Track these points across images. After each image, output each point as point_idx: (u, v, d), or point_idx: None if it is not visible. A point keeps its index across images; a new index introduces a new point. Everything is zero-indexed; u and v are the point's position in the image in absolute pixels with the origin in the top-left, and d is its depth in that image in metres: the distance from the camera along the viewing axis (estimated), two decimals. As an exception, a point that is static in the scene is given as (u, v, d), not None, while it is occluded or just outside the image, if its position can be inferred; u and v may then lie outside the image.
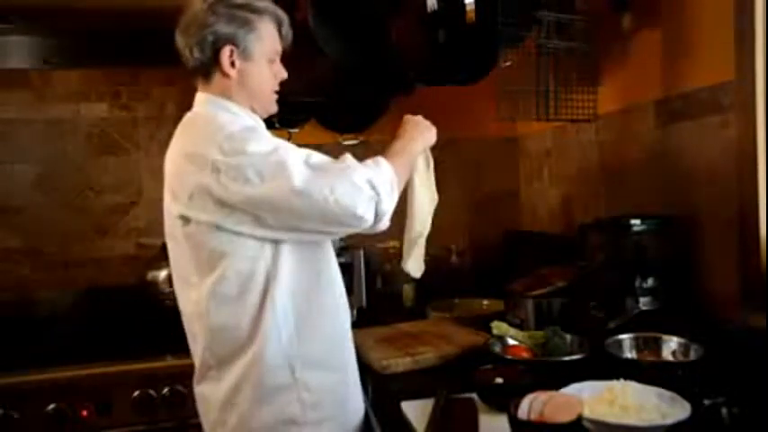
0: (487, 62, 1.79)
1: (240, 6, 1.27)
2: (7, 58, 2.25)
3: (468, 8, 1.77)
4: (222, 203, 1.17)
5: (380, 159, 1.27)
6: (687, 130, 1.54)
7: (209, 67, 1.28)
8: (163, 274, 2.09)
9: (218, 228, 1.20)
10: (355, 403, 1.38)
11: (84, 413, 1.75)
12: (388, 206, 1.22)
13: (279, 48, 1.34)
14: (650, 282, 1.49)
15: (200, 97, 1.33)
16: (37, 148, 2.33)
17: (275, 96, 1.37)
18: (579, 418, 1.01)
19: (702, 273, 1.50)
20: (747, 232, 1.36)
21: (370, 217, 1.19)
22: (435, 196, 1.53)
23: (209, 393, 1.31)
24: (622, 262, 1.51)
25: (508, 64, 1.70)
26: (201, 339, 1.29)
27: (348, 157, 1.24)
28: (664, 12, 1.62)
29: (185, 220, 1.22)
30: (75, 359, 1.80)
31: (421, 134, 1.44)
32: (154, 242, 2.32)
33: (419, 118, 1.47)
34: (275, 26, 1.32)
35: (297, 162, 1.17)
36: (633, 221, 1.51)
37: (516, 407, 1.05)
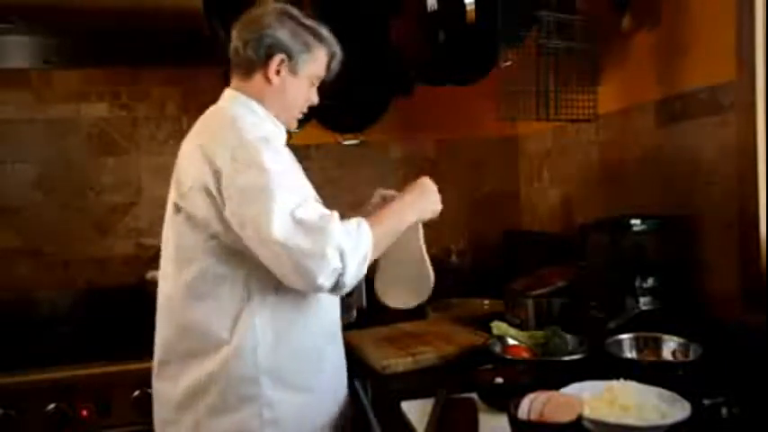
0: (487, 62, 1.79)
1: (306, 27, 1.32)
2: (7, 58, 2.25)
3: (468, 8, 1.77)
4: (215, 205, 1.18)
5: (365, 227, 1.21)
6: (687, 130, 1.54)
7: (254, 67, 1.30)
8: (163, 274, 2.09)
9: (207, 229, 1.20)
10: (321, 425, 1.33)
11: (84, 413, 1.75)
12: (351, 281, 1.18)
13: (322, 76, 1.38)
14: (650, 282, 1.49)
15: (230, 94, 1.35)
16: (37, 148, 2.33)
17: (300, 116, 1.40)
18: (579, 418, 1.01)
19: (702, 273, 1.50)
20: (747, 232, 1.36)
21: (328, 286, 1.15)
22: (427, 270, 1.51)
23: (163, 391, 1.30)
24: (622, 262, 1.51)
25: (508, 64, 1.70)
26: (167, 334, 1.29)
27: (333, 219, 1.17)
28: (664, 12, 1.62)
29: (177, 208, 1.24)
30: (75, 359, 1.80)
31: (422, 206, 1.40)
32: (154, 242, 2.31)
33: (431, 187, 1.42)
34: (328, 57, 1.37)
35: (284, 209, 1.13)
36: (633, 221, 1.51)
37: (516, 407, 1.05)
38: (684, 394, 1.08)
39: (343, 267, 1.15)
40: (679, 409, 1.04)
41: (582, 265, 1.68)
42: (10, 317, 2.15)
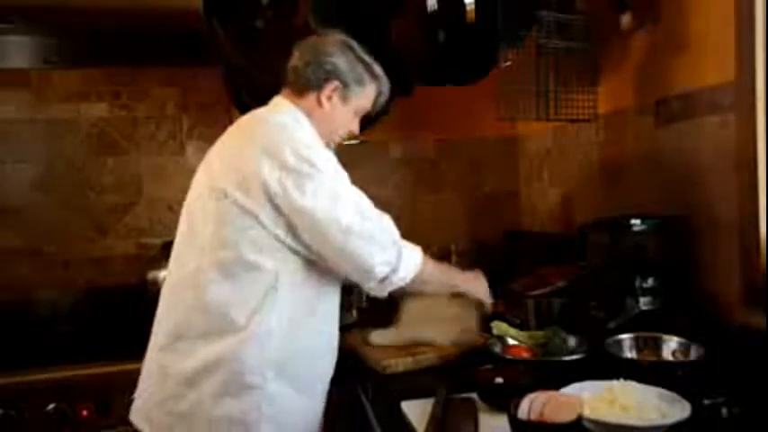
0: (487, 62, 1.79)
1: (364, 63, 1.42)
2: (7, 58, 2.25)
3: (468, 8, 1.77)
4: (271, 201, 1.23)
5: (421, 252, 1.38)
6: (687, 130, 1.54)
7: (309, 88, 1.39)
8: (163, 273, 2.07)
9: (255, 218, 1.24)
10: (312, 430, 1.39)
11: (85, 413, 1.75)
12: (399, 280, 1.32)
13: (367, 109, 1.48)
14: (650, 282, 1.49)
15: (285, 104, 1.40)
16: (37, 148, 2.33)
17: (338, 140, 1.47)
18: (579, 418, 1.01)
19: (702, 273, 1.50)
20: (747, 232, 1.36)
21: (379, 276, 1.29)
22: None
23: (169, 363, 1.31)
24: (622, 262, 1.51)
25: (508, 64, 1.70)
26: (185, 309, 1.30)
27: (390, 219, 1.34)
28: (663, 11, 1.62)
29: (223, 195, 1.26)
30: (75, 359, 1.80)
31: (473, 284, 1.56)
32: (154, 242, 2.31)
33: (484, 280, 1.59)
34: (376, 93, 1.47)
35: (350, 200, 1.28)
36: (633, 221, 1.51)
37: (516, 407, 1.05)
38: (684, 394, 1.08)
39: (397, 263, 1.30)
40: (679, 409, 1.04)
41: (582, 265, 1.68)
42: (10, 317, 2.15)
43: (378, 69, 1.45)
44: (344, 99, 1.41)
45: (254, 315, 1.26)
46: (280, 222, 1.25)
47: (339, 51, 1.39)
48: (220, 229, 1.27)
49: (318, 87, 1.38)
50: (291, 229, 1.25)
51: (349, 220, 1.25)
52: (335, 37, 1.42)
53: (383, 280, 1.30)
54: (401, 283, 1.33)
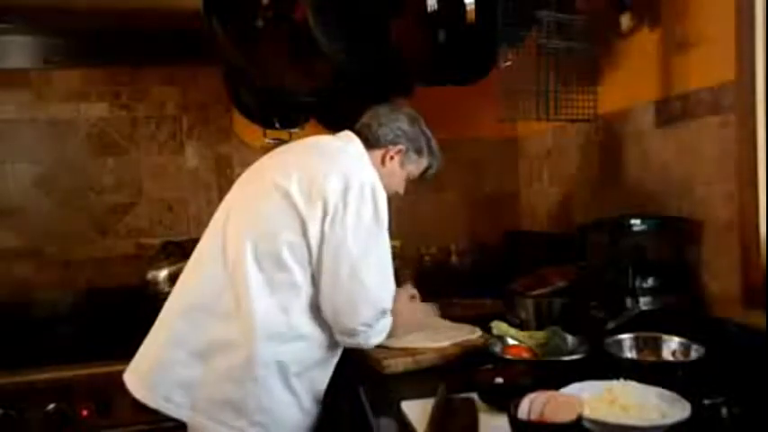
0: (487, 62, 1.79)
1: (427, 138, 1.60)
2: (7, 57, 2.25)
3: (468, 8, 1.77)
4: (323, 217, 1.32)
5: (390, 323, 1.44)
6: (687, 130, 1.54)
7: (377, 145, 1.53)
8: (163, 273, 2.09)
9: (301, 223, 1.32)
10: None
11: (85, 413, 1.75)
12: (364, 344, 1.41)
13: (415, 177, 1.64)
14: (650, 282, 1.49)
15: (360, 145, 1.51)
16: (37, 148, 2.33)
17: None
18: (579, 418, 1.01)
19: (702, 273, 1.50)
20: (747, 232, 1.36)
21: (351, 331, 1.37)
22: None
23: (184, 331, 1.37)
24: (622, 262, 1.51)
25: (508, 64, 1.70)
26: (208, 280, 1.37)
27: (394, 286, 1.43)
28: (664, 11, 1.62)
29: (285, 194, 1.34)
30: (75, 359, 1.80)
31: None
32: (154, 242, 2.31)
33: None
34: (427, 166, 1.64)
35: (379, 255, 1.37)
36: (633, 221, 1.51)
37: (516, 407, 1.05)
38: (684, 394, 1.08)
39: (373, 329, 1.38)
40: (679, 409, 1.04)
41: (582, 265, 1.68)
42: (10, 317, 2.15)
43: (435, 145, 1.61)
44: (402, 163, 1.56)
45: (276, 312, 1.33)
46: (318, 237, 1.32)
47: (408, 120, 1.56)
48: (269, 220, 1.34)
49: (385, 147, 1.53)
50: (320, 248, 1.33)
51: (365, 274, 1.33)
52: (406, 109, 1.59)
53: (352, 336, 1.38)
54: (363, 346, 1.42)
